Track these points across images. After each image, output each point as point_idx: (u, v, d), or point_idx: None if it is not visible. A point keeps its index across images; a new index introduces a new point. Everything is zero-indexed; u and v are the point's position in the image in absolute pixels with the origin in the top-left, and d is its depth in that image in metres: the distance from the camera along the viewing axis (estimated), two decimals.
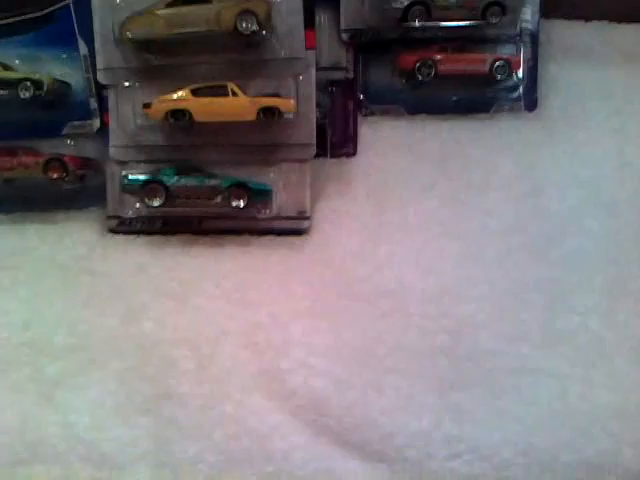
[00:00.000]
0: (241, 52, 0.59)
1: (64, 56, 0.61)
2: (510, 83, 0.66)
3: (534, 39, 0.64)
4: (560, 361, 0.55)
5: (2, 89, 0.58)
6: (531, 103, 0.66)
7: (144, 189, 0.57)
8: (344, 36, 0.63)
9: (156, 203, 0.56)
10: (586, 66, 0.65)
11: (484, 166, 0.64)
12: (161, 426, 0.52)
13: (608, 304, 0.58)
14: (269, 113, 0.57)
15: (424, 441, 0.51)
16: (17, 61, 0.59)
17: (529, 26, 0.64)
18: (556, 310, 0.57)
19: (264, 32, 0.56)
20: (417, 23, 0.61)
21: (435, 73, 0.64)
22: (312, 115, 0.60)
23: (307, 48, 0.59)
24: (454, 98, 0.66)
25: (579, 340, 0.56)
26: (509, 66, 0.65)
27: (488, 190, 0.63)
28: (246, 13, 0.54)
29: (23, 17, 0.58)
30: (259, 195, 0.57)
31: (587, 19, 0.65)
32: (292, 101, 0.56)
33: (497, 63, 0.64)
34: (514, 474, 0.50)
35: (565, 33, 0.66)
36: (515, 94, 0.67)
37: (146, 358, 0.54)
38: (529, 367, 0.55)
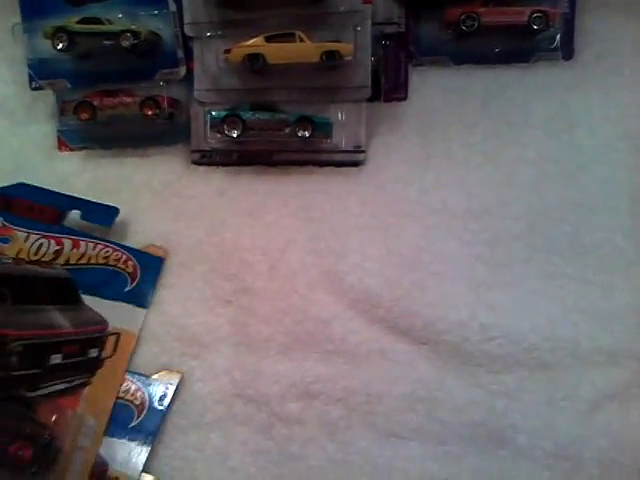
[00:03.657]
0: (306, 6, 0.72)
1: (156, 12, 0.75)
2: (548, 34, 0.77)
3: None
4: (585, 269, 0.66)
5: (108, 40, 0.73)
6: (568, 53, 0.77)
7: (225, 122, 0.72)
8: None
9: (235, 134, 0.72)
10: (621, 18, 0.76)
11: (522, 107, 0.75)
12: (239, 314, 0.66)
13: (631, 222, 0.68)
14: (331, 56, 0.70)
15: (461, 328, 0.63)
16: (120, 16, 0.74)
17: None
18: (583, 227, 0.68)
19: None
20: None
21: (478, 25, 0.76)
22: (367, 61, 0.73)
23: (364, 2, 0.72)
24: (496, 49, 0.78)
25: (603, 252, 0.67)
26: (546, 17, 0.75)
27: (525, 127, 0.74)
28: None
29: None
30: (321, 127, 0.71)
31: None
32: (351, 45, 0.69)
33: (535, 14, 0.75)
34: (540, 355, 0.61)
35: None
36: (553, 44, 0.77)
37: (226, 261, 0.69)
38: (557, 273, 0.66)
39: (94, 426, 0.59)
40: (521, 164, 0.72)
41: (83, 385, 0.58)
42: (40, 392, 0.55)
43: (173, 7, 0.74)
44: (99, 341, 0.60)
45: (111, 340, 0.61)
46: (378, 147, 0.75)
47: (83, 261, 0.65)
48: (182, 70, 0.76)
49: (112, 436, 0.60)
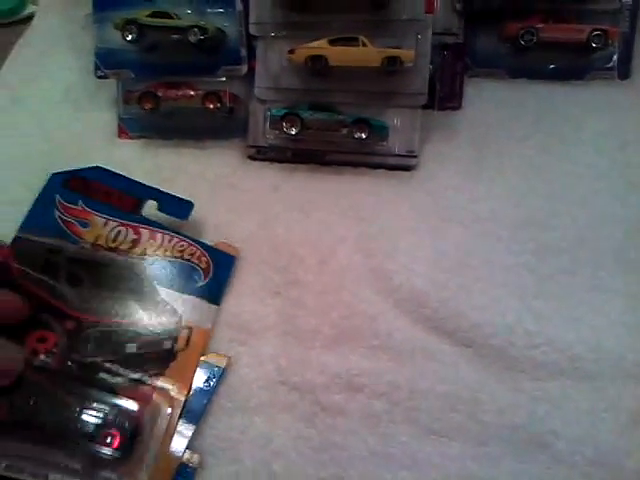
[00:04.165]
0: (370, 12, 0.75)
1: (223, 11, 0.79)
2: (606, 53, 0.79)
3: (633, 13, 0.77)
4: (631, 284, 0.67)
5: (176, 34, 0.76)
6: (625, 72, 0.79)
7: (284, 119, 0.75)
8: (457, 6, 0.78)
9: (293, 131, 0.75)
10: None
11: (575, 123, 0.77)
12: (288, 305, 0.68)
13: None
14: (392, 61, 0.73)
15: (507, 333, 0.64)
16: (188, 12, 0.78)
17: (629, 1, 0.77)
18: (631, 243, 0.70)
19: None
20: None
21: (537, 40, 0.78)
22: (426, 69, 0.75)
23: (426, 12, 0.74)
24: (552, 65, 0.81)
25: None
26: (606, 36, 0.77)
27: (578, 143, 0.76)
28: None
29: None
30: (378, 130, 0.74)
31: None
32: (412, 52, 0.72)
33: (595, 32, 0.77)
34: (583, 365, 0.63)
35: None
36: (610, 63, 0.80)
37: (277, 254, 0.71)
38: (602, 286, 0.67)
39: (168, 416, 0.61)
40: (571, 179, 0.75)
41: (158, 375, 0.61)
42: (118, 379, 0.59)
43: (240, 6, 0.78)
44: (173, 334, 0.62)
45: (184, 334, 0.63)
46: (430, 153, 0.78)
47: (159, 253, 0.67)
48: (244, 67, 0.80)
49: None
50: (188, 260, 0.68)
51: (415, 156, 0.76)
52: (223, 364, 0.64)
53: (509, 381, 0.62)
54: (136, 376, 0.60)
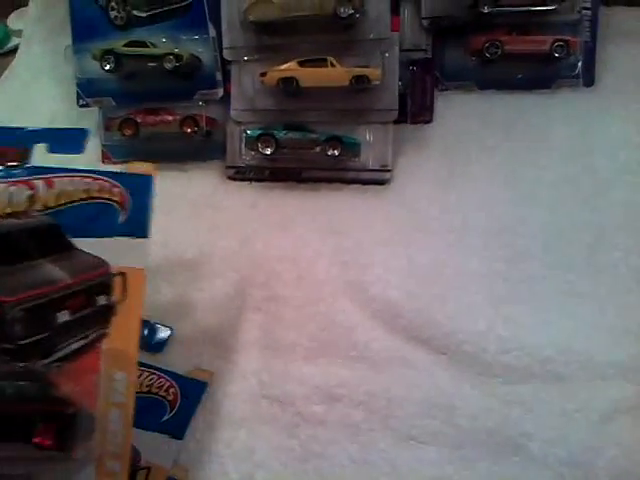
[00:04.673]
0: (338, 33, 0.77)
1: (197, 37, 0.81)
2: (570, 62, 0.81)
3: (594, 23, 0.80)
4: (600, 287, 0.69)
5: (152, 62, 0.79)
6: (589, 80, 0.82)
7: (259, 140, 0.78)
8: (424, 22, 0.81)
9: (268, 151, 0.78)
10: None
11: (543, 131, 0.80)
12: (268, 320, 0.71)
13: None
14: (360, 80, 0.76)
15: (479, 339, 0.67)
16: (163, 40, 0.80)
17: (589, 12, 0.79)
18: (600, 247, 0.72)
19: (357, 16, 0.75)
20: (486, 9, 0.78)
21: (502, 52, 0.81)
22: (395, 86, 0.78)
23: (392, 31, 0.77)
24: (519, 76, 0.83)
25: (618, 272, 0.70)
26: (568, 46, 0.80)
27: (545, 150, 0.78)
28: (344, 0, 0.73)
29: (169, 7, 0.81)
30: (350, 147, 0.77)
31: None
32: (378, 71, 0.75)
33: (557, 43, 0.80)
34: (554, 368, 0.65)
35: (623, 18, 0.82)
36: (574, 72, 0.82)
37: (257, 270, 0.74)
38: (573, 291, 0.69)
39: (124, 379, 0.53)
40: (539, 186, 0.77)
41: (100, 337, 0.51)
42: (56, 356, 0.48)
43: (213, 32, 0.81)
44: (105, 286, 0.52)
45: (118, 282, 0.52)
46: (404, 167, 0.80)
47: (62, 201, 0.54)
48: (220, 91, 0.83)
49: (145, 429, 0.62)
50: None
51: (389, 170, 0.79)
52: (207, 379, 0.67)
53: (483, 386, 0.64)
54: (77, 345, 0.49)
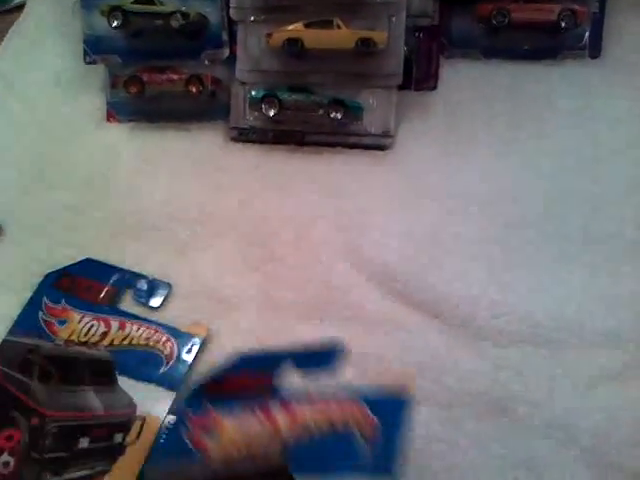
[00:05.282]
0: None
1: None
2: (577, 32, 0.82)
3: None
4: (595, 256, 0.70)
5: (158, 19, 0.80)
6: (596, 51, 0.82)
7: (263, 101, 0.78)
8: None
9: (271, 113, 0.79)
10: None
11: (546, 102, 0.80)
12: (266, 279, 0.72)
13: None
14: (365, 43, 0.76)
15: (472, 303, 0.68)
16: None
17: None
18: (596, 217, 0.73)
19: None
20: None
21: (508, 21, 0.81)
22: (400, 51, 0.78)
23: None
24: (525, 45, 0.83)
25: (613, 242, 0.71)
26: (575, 16, 0.80)
27: (548, 120, 0.79)
28: None
29: None
30: (353, 110, 0.78)
31: None
32: (384, 34, 0.75)
33: (564, 13, 0.80)
34: (544, 333, 0.66)
35: None
36: (581, 43, 0.82)
37: (256, 230, 0.75)
38: (567, 258, 0.70)
39: None
40: (540, 155, 0.78)
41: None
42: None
43: None
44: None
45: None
46: (406, 133, 0.81)
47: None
48: (226, 51, 0.83)
49: (142, 380, 0.65)
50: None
51: (391, 136, 0.80)
52: (203, 334, 0.69)
53: (474, 349, 0.66)
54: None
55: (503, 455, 0.62)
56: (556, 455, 0.62)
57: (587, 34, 0.82)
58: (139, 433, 0.60)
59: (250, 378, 0.65)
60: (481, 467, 0.60)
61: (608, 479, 0.61)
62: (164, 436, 0.60)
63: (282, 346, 0.64)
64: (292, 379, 0.62)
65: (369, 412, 0.58)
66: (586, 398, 0.63)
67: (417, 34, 0.84)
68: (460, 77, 0.83)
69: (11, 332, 0.65)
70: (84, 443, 0.56)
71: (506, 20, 0.80)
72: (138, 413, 0.64)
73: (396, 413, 0.60)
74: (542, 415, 0.63)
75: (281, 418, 0.59)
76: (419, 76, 0.84)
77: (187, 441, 0.59)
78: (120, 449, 0.59)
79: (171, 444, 0.59)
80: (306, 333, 0.68)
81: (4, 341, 0.64)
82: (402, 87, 0.80)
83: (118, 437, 0.59)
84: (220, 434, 0.58)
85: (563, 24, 0.80)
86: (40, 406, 0.54)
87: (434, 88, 0.84)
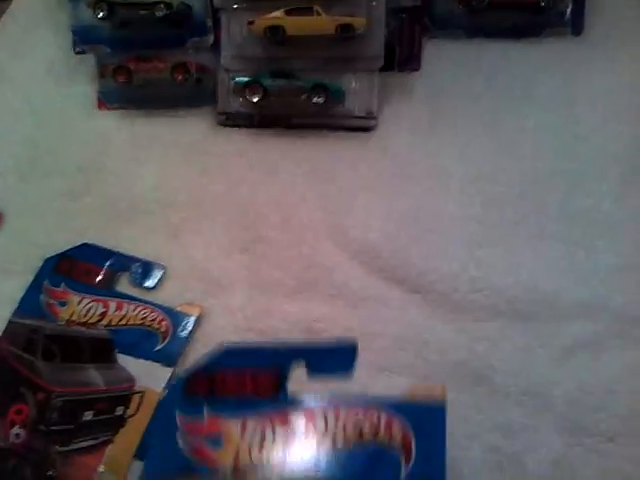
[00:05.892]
0: None
1: None
2: (559, 9, 0.84)
3: None
4: (572, 231, 0.73)
5: (143, 9, 0.83)
6: (577, 28, 0.84)
7: (247, 88, 0.82)
8: None
9: (255, 99, 0.82)
10: None
11: (527, 81, 0.83)
12: (254, 260, 0.76)
13: (621, 190, 0.75)
14: (345, 29, 0.79)
15: (452, 279, 0.71)
16: None
17: None
18: (574, 193, 0.75)
19: None
20: None
21: (488, 2, 0.84)
22: (381, 34, 0.81)
23: None
24: (508, 24, 0.85)
25: (591, 217, 0.74)
26: None
27: (528, 100, 0.82)
28: None
29: None
30: (335, 94, 0.80)
31: None
32: (363, 19, 0.78)
33: None
34: (520, 307, 0.69)
35: None
36: (563, 20, 0.84)
37: (243, 213, 0.78)
38: (544, 234, 0.73)
39: None
40: (519, 134, 0.80)
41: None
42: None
43: None
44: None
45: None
46: (389, 114, 0.84)
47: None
48: (210, 39, 0.86)
49: (140, 357, 0.69)
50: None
51: (374, 117, 0.82)
52: (197, 313, 0.73)
53: (453, 323, 0.70)
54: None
55: (479, 421, 0.66)
56: (530, 420, 0.66)
57: (569, 11, 0.83)
58: (139, 406, 0.65)
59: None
60: (458, 432, 0.63)
61: (579, 443, 0.64)
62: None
63: (291, 342, 0.65)
64: (305, 381, 0.58)
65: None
66: (560, 367, 0.67)
67: (400, 15, 0.85)
68: (443, 58, 0.85)
69: (15, 314, 0.69)
70: (88, 416, 0.61)
71: (485, 1, 0.81)
72: (137, 388, 0.70)
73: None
74: (518, 384, 0.66)
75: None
76: (402, 57, 0.86)
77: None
78: (121, 421, 0.64)
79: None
80: (293, 310, 0.71)
81: (9, 323, 0.68)
82: (386, 68, 0.82)
83: (119, 410, 0.64)
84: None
85: (542, 3, 0.80)
86: (45, 382, 0.60)
87: (417, 69, 0.86)
